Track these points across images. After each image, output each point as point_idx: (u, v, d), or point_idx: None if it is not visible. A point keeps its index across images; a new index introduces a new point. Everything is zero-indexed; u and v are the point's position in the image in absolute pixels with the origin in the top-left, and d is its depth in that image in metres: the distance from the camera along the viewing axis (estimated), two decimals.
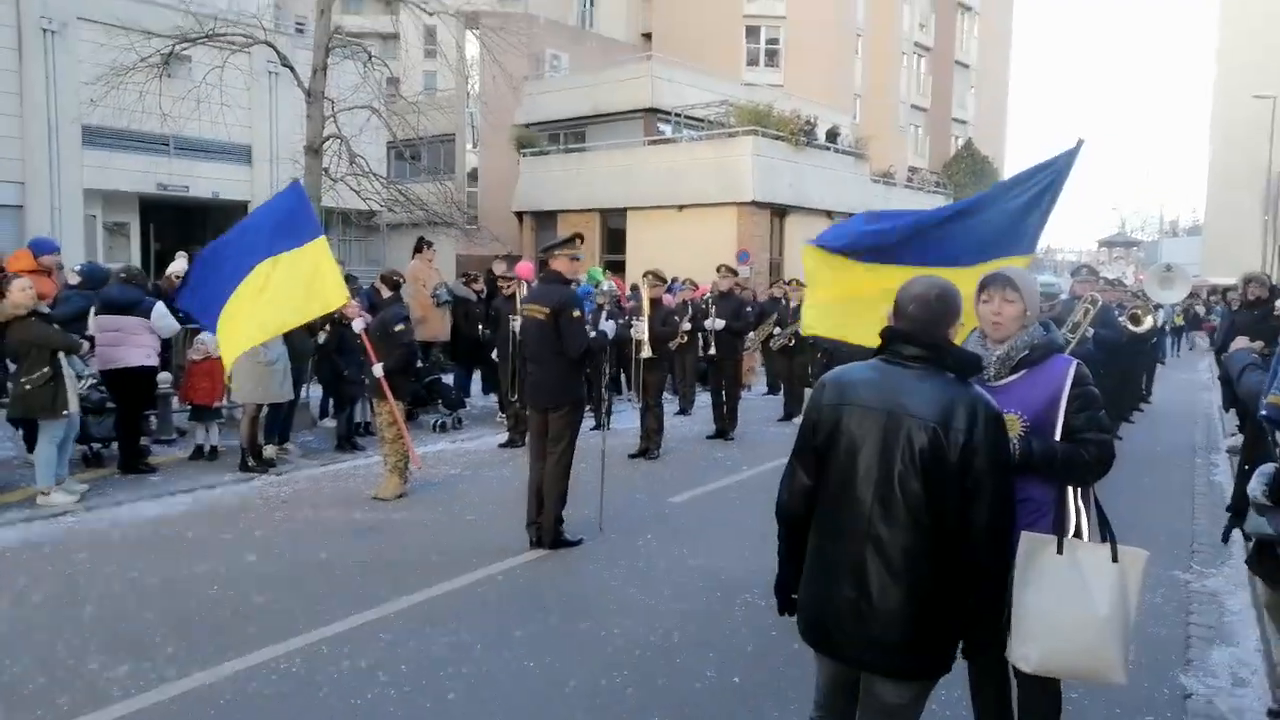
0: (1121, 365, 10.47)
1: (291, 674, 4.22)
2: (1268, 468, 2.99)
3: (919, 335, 2.60)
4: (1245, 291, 9.53)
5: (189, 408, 9.08)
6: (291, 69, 13.15)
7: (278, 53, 13.42)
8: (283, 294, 6.86)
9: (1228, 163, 55.74)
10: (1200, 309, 27.26)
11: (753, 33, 35.15)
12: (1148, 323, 11.31)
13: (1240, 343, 4.16)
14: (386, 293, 8.09)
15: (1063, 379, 2.87)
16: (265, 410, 8.47)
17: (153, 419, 9.28)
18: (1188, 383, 18.56)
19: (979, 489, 2.46)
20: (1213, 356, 16.60)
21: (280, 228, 6.98)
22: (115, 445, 8.29)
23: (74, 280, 8.07)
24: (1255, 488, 2.94)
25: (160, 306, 8.26)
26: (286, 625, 4.79)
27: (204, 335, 8.99)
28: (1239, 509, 3.45)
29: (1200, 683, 4.35)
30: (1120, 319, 10.27)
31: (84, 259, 14.58)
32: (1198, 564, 6.23)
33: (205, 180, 19.23)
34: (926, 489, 2.45)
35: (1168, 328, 20.83)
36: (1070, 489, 2.92)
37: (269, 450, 8.65)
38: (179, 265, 9.83)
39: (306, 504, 7.42)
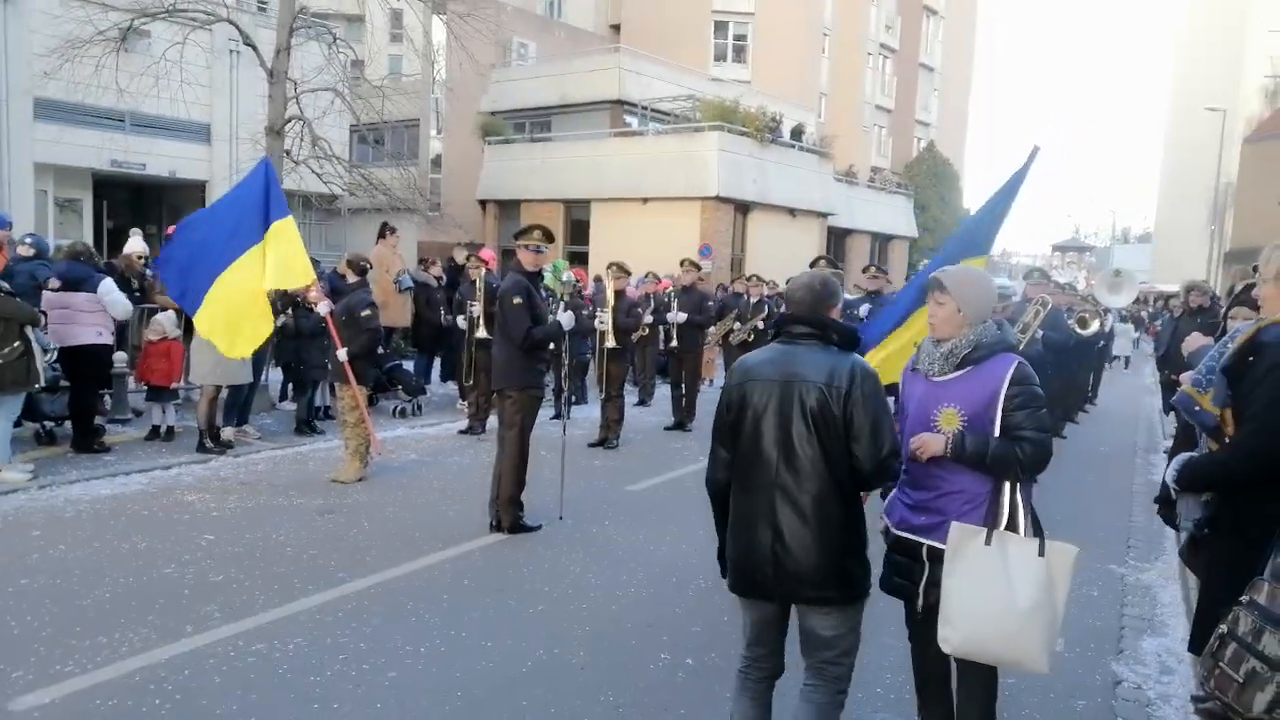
0: (1069, 367, 10.77)
1: (250, 652, 4.26)
2: (1183, 456, 3.16)
3: (805, 316, 3.07)
4: (1187, 300, 9.85)
5: (145, 388, 8.98)
6: (254, 48, 12.97)
7: (240, 31, 13.23)
8: (259, 276, 6.99)
9: (1179, 174, 57.28)
10: (1145, 314, 27.98)
11: (721, 28, 35.30)
12: (1094, 326, 11.65)
13: (1195, 339, 4.34)
14: (353, 278, 8.05)
15: (1002, 377, 2.99)
16: (225, 392, 8.41)
17: (108, 398, 9.16)
18: (1133, 386, 19.10)
19: (860, 433, 2.87)
20: (1154, 361, 17.09)
21: (258, 209, 7.04)
22: (68, 424, 8.18)
23: (27, 253, 7.92)
24: (1169, 474, 3.11)
25: (108, 283, 8.10)
26: (245, 604, 4.82)
27: (160, 315, 8.90)
28: (1164, 499, 3.63)
29: (1130, 670, 4.55)
30: (1069, 322, 10.56)
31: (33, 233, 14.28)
32: (1133, 559, 6.49)
33: (162, 158, 18.86)
34: (821, 440, 2.90)
35: (1113, 332, 21.38)
36: (1007, 483, 3.03)
37: (227, 432, 8.61)
38: (138, 245, 9.69)
39: (265, 486, 7.40)
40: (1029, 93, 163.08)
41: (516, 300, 6.20)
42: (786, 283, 3.37)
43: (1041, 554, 2.90)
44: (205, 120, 19.15)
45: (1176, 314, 11.13)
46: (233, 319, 7.03)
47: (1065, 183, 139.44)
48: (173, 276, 7.24)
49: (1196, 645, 3.62)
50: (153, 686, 3.88)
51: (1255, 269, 6.93)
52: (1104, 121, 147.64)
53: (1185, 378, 3.26)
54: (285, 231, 7.12)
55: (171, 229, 10.52)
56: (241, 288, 6.98)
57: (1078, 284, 24.54)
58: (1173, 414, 11.42)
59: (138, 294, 9.56)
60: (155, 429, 8.75)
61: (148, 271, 9.88)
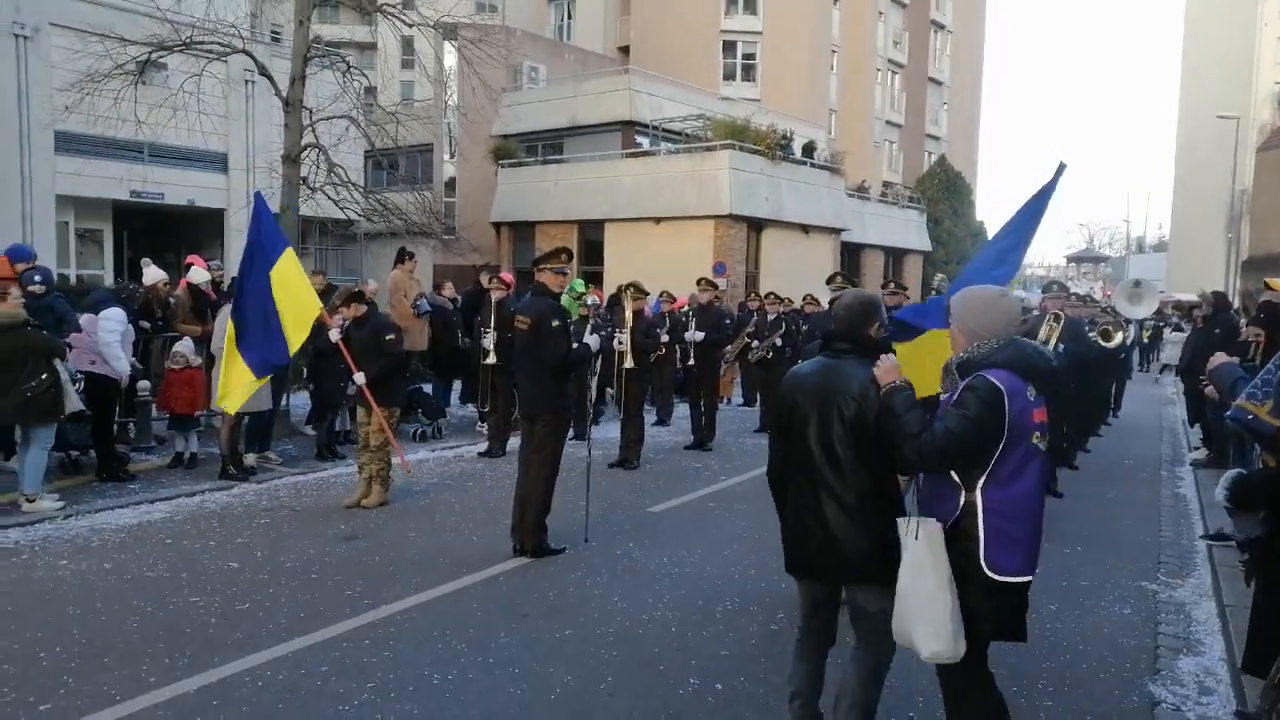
0: (1090, 380, 10.68)
1: (278, 681, 4.25)
2: (1231, 473, 3.11)
3: (846, 333, 3.47)
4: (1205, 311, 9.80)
5: (167, 416, 9.03)
6: (269, 78, 13.13)
7: (255, 61, 13.39)
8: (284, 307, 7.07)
9: (1192, 181, 57.01)
10: (1168, 328, 27.65)
11: (729, 48, 35.49)
12: (1118, 338, 11.56)
13: (1219, 357, 4.30)
14: (360, 310, 7.79)
15: (966, 383, 3.08)
16: (246, 419, 8.45)
17: (131, 427, 9.23)
18: (1155, 398, 18.91)
19: (894, 434, 3.14)
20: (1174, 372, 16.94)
21: (264, 247, 7.14)
22: (93, 452, 8.23)
23: (38, 289, 7.92)
24: (1220, 492, 3.07)
25: (109, 310, 7.93)
26: (271, 632, 4.81)
27: (180, 344, 8.96)
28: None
29: (1168, 691, 4.47)
30: (1091, 334, 10.49)
31: (55, 266, 14.44)
32: (1164, 575, 6.39)
33: (180, 187, 19.07)
34: (857, 444, 3.27)
35: (1135, 343, 21.19)
36: (978, 499, 3.03)
37: (249, 458, 8.63)
38: (159, 273, 9.77)
39: (288, 512, 7.42)
40: (1038, 104, 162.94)
41: (556, 323, 6.24)
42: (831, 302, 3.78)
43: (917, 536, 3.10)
44: (222, 150, 19.37)
45: (1198, 325, 11.04)
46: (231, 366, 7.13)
47: (1078, 193, 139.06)
48: (253, 357, 7.17)
49: (1249, 664, 3.55)
50: (182, 718, 3.87)
51: (1264, 285, 6.86)
52: (1115, 130, 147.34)
53: (1209, 390, 3.23)
54: (288, 266, 7.19)
55: (191, 258, 10.66)
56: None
57: (1094, 295, 24.39)
58: (1198, 425, 11.33)
59: (160, 322, 9.64)
60: (179, 456, 8.79)
61: (171, 300, 9.96)
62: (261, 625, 4.92)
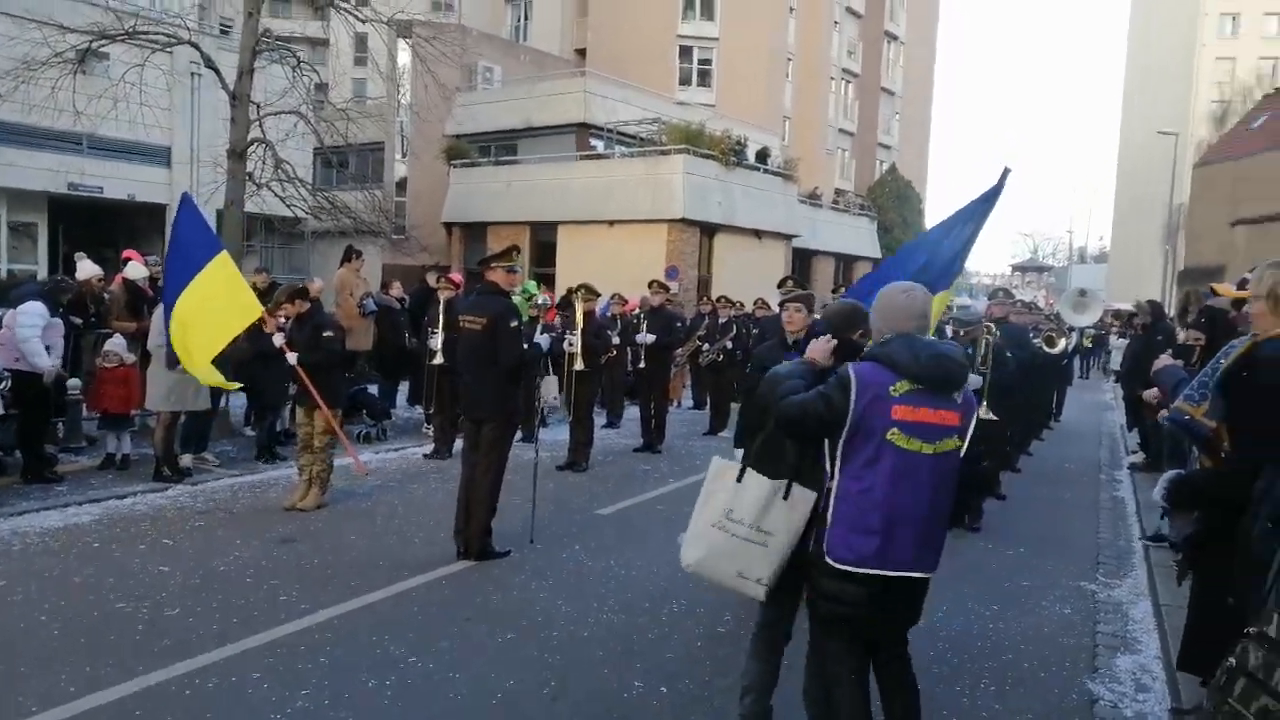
0: (1034, 385, 10.85)
1: (206, 689, 4.09)
2: (1170, 473, 3.15)
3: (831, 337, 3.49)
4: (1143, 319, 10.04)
5: (97, 416, 8.73)
6: (216, 70, 12.80)
7: (202, 53, 13.04)
8: (208, 318, 6.89)
9: (1132, 194, 58.59)
10: (1114, 336, 28.28)
11: (685, 53, 35.59)
12: (1061, 345, 11.78)
13: (1163, 359, 4.36)
14: (302, 307, 7.57)
15: None
16: (182, 418, 8.20)
17: (60, 426, 8.90)
18: (1094, 403, 19.35)
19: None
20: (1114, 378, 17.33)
21: (190, 250, 6.99)
22: (19, 453, 7.92)
23: None
24: (1159, 492, 3.10)
25: (29, 304, 7.61)
26: (202, 639, 4.64)
27: (112, 342, 8.66)
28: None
29: (1107, 689, 4.53)
30: (1035, 341, 10.67)
31: None
32: (1103, 575, 6.51)
33: (120, 181, 18.53)
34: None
35: (1077, 350, 21.64)
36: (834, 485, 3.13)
37: (186, 460, 8.38)
38: (93, 268, 9.47)
39: (224, 514, 7.20)
40: (987, 115, 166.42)
41: (513, 324, 6.16)
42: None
43: (786, 497, 3.36)
44: (165, 143, 18.90)
45: (1139, 332, 11.29)
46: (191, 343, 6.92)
47: (1023, 203, 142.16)
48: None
49: (1184, 661, 3.60)
50: None
51: (1210, 290, 7.04)
52: (1060, 143, 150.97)
53: (1148, 395, 3.28)
54: (224, 268, 7.00)
55: (128, 252, 10.35)
56: (186, 329, 6.91)
57: (1038, 303, 24.87)
58: (1135, 430, 11.59)
59: (94, 319, 9.33)
60: (110, 457, 8.50)
61: (105, 295, 9.65)
62: (191, 631, 4.74)
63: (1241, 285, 4.74)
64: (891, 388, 3.01)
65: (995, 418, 7.12)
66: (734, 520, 3.37)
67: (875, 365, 3.06)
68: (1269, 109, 31.95)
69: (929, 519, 3.07)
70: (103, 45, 12.67)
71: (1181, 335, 5.66)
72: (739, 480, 3.40)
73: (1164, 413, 3.44)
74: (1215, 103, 50.44)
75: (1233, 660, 1.77)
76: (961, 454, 3.11)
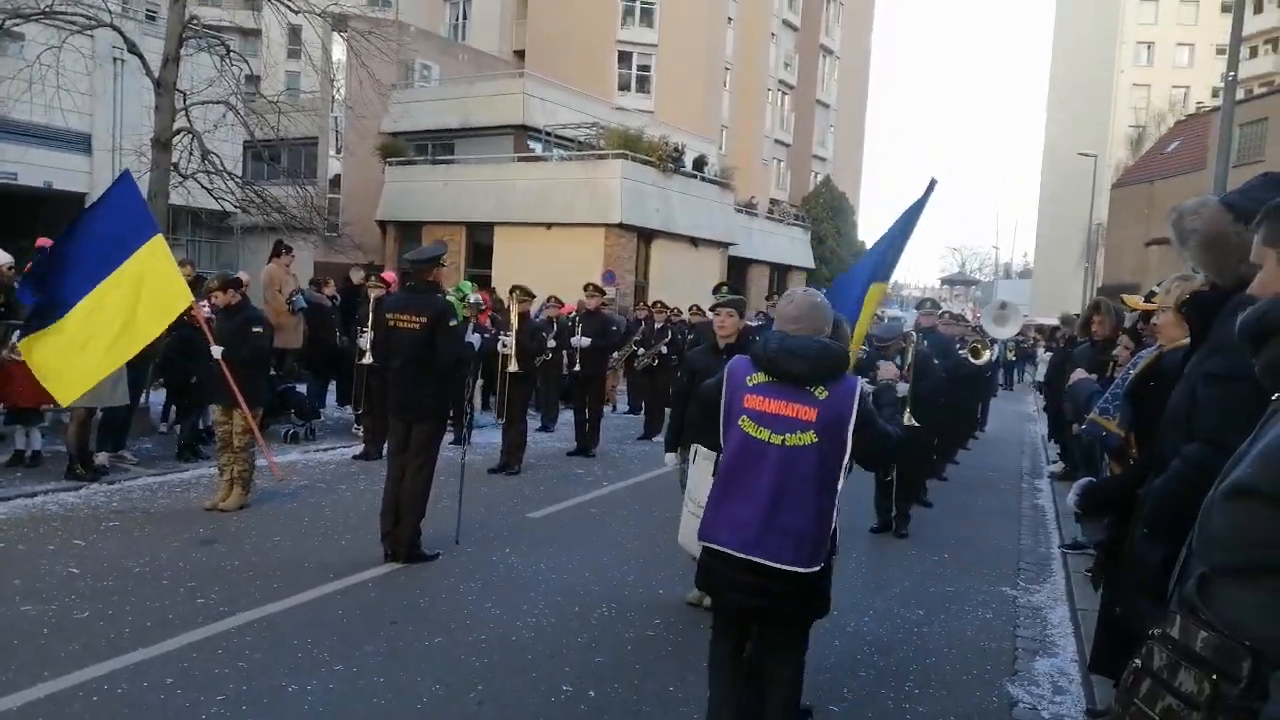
0: (960, 396, 11.12)
1: (117, 695, 3.92)
2: (1082, 481, 3.24)
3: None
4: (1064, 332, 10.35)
5: (4, 411, 8.34)
6: (140, 56, 12.39)
7: (124, 38, 12.62)
8: (128, 308, 6.45)
9: (1054, 213, 60.56)
10: (1040, 347, 29.15)
11: (625, 58, 35.68)
12: (985, 356, 12.09)
13: (1079, 374, 4.49)
14: (232, 298, 7.38)
15: None
16: (99, 414, 7.89)
17: None
18: (1017, 414, 19.92)
19: None
20: (1036, 390, 17.86)
21: (118, 230, 6.55)
22: None
23: None
24: (1071, 499, 3.19)
25: None
26: (112, 643, 4.45)
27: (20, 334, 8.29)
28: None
29: (1025, 691, 4.64)
30: (961, 352, 10.92)
31: None
32: (1024, 581, 6.68)
33: (36, 168, 17.77)
34: None
35: (1001, 361, 22.26)
36: None
37: (101, 457, 8.06)
38: (3, 256, 9.05)
39: (140, 514, 6.94)
40: (918, 130, 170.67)
41: (453, 322, 6.09)
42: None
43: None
44: (85, 130, 18.20)
45: (1060, 345, 11.65)
46: (71, 352, 6.43)
47: (952, 217, 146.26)
48: (34, 305, 6.64)
49: (1095, 663, 3.71)
50: None
51: (1097, 304, 7.30)
52: (987, 160, 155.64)
53: (1068, 408, 3.42)
54: (156, 253, 6.65)
55: (44, 241, 9.91)
56: (97, 318, 6.43)
57: (965, 315, 25.56)
58: (1056, 439, 11.96)
59: (3, 309, 8.91)
60: (19, 454, 8.13)
61: (16, 284, 9.22)
62: (101, 635, 4.55)
63: (1149, 298, 4.93)
64: (749, 378, 3.19)
65: (917, 424, 7.26)
66: (692, 500, 4.01)
67: (744, 358, 3.29)
68: (1181, 134, 33.41)
69: (773, 507, 3.08)
70: (16, 24, 12.16)
71: (1119, 344, 5.89)
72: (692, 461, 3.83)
73: (1078, 426, 3.56)
74: (1132, 127, 52.56)
75: (1138, 661, 1.82)
76: (821, 450, 3.08)
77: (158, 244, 6.69)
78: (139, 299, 6.55)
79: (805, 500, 3.09)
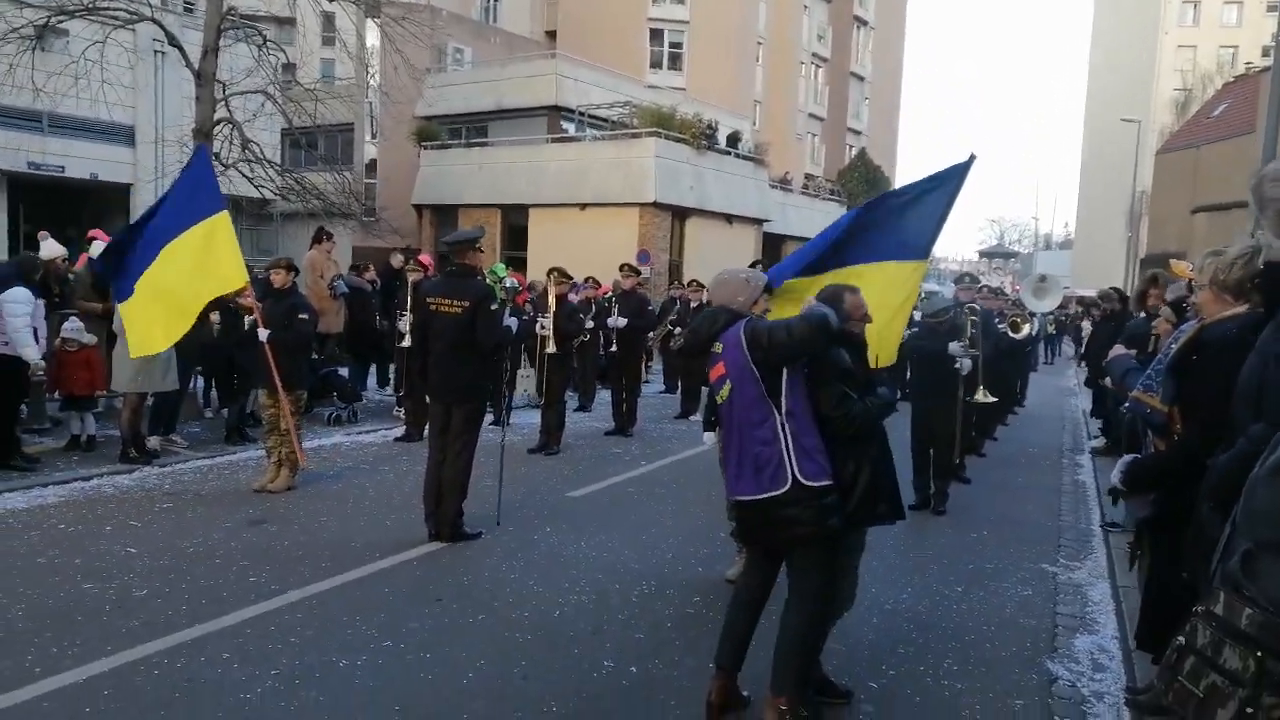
0: (999, 370, 11.01)
1: (176, 669, 4.09)
2: (1127, 458, 3.23)
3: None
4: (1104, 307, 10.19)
5: (60, 398, 8.60)
6: (180, 49, 12.61)
7: (165, 30, 12.84)
8: (190, 276, 6.68)
9: (1097, 181, 59.26)
10: (1085, 322, 28.67)
11: (656, 35, 35.47)
12: (1025, 330, 11.93)
13: (1118, 349, 4.45)
14: (285, 280, 7.57)
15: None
16: (150, 400, 8.11)
17: (23, 408, 8.76)
18: (1058, 388, 19.66)
19: None
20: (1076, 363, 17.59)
21: (189, 201, 6.77)
22: None
23: None
24: (1116, 476, 3.17)
25: (14, 291, 7.50)
26: (170, 620, 4.63)
27: (68, 326, 8.50)
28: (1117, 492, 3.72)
29: (1065, 669, 4.64)
30: (1001, 326, 10.80)
31: None
32: (1064, 558, 6.64)
33: (82, 160, 18.15)
34: None
35: (1041, 335, 21.95)
36: None
37: (154, 441, 8.30)
38: (56, 247, 9.30)
39: (192, 496, 7.16)
40: (955, 101, 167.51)
41: (494, 306, 6.20)
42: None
43: None
44: (129, 122, 18.53)
45: (1102, 319, 11.47)
46: (150, 314, 6.74)
47: (991, 189, 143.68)
48: (111, 271, 6.94)
49: (1142, 638, 3.71)
50: (69, 709, 3.70)
51: (1154, 277, 7.15)
52: (1027, 130, 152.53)
53: (1109, 382, 3.40)
54: (220, 228, 6.85)
55: (94, 232, 10.17)
56: (162, 281, 6.68)
57: (1004, 289, 25.21)
58: (1095, 414, 11.80)
59: (58, 299, 9.17)
60: (75, 439, 8.39)
61: (70, 275, 9.49)
62: (160, 612, 4.73)
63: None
64: (715, 347, 3.75)
65: (994, 399, 7.20)
66: None
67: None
68: (1229, 96, 32.46)
69: (740, 452, 3.64)
70: (62, 21, 12.42)
71: (1156, 322, 5.76)
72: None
73: (1124, 405, 3.54)
74: (1177, 90, 51.10)
75: (1182, 639, 1.81)
76: (743, 390, 3.59)
77: (222, 220, 6.88)
78: (197, 267, 6.76)
79: (753, 437, 3.59)
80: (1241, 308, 2.93)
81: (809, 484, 3.50)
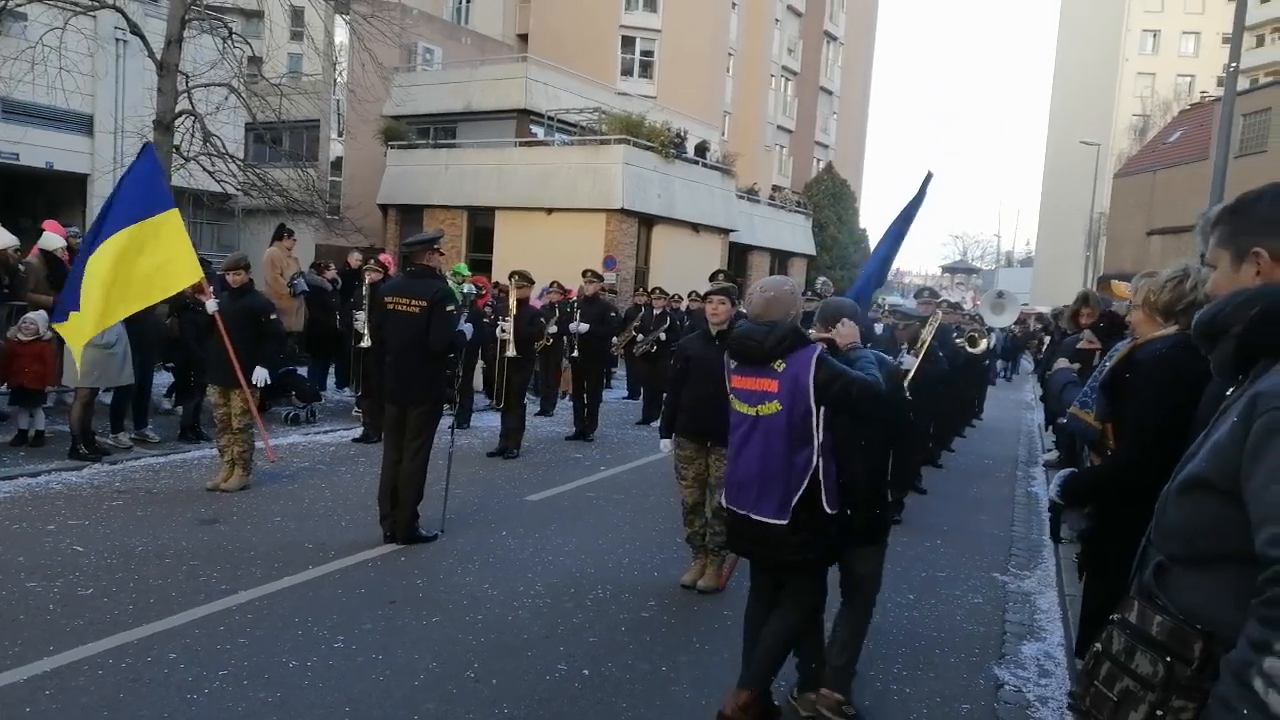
0: (957, 384, 11.18)
1: (121, 669, 4.02)
2: (1065, 471, 3.30)
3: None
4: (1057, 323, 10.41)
5: (7, 391, 8.42)
6: (142, 37, 12.42)
7: (127, 18, 12.64)
8: (133, 270, 6.56)
9: (1057, 202, 60.40)
10: (1046, 337, 29.15)
11: (628, 43, 35.56)
12: (983, 345, 12.13)
13: (1061, 364, 4.56)
14: (241, 279, 7.57)
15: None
16: (110, 395, 7.97)
17: None
18: (1016, 402, 19.99)
19: None
20: (1035, 378, 17.93)
21: (134, 198, 6.66)
22: None
23: None
24: (1053, 490, 3.25)
25: None
26: (116, 619, 4.55)
27: (32, 314, 8.38)
28: (1055, 508, 3.82)
29: (1011, 674, 4.73)
30: (959, 340, 10.97)
31: None
32: (1014, 567, 6.76)
33: (38, 149, 17.77)
34: None
35: (998, 350, 22.29)
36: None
37: (123, 438, 8.15)
38: (7, 237, 9.09)
39: (143, 494, 7.04)
40: (922, 118, 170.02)
41: (450, 307, 6.16)
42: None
43: None
44: (88, 111, 18.18)
45: (1056, 336, 11.70)
46: (85, 304, 6.56)
47: (955, 206, 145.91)
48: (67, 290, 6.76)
49: (1080, 648, 3.80)
50: (9, 710, 3.62)
51: (1085, 296, 7.33)
52: (991, 148, 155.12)
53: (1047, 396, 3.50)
54: (169, 226, 6.76)
55: (47, 223, 9.97)
56: (97, 272, 6.51)
57: (965, 304, 25.59)
58: (1050, 428, 12.02)
59: (7, 291, 8.98)
60: (23, 434, 8.21)
61: (20, 266, 9.28)
62: (106, 612, 4.64)
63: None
64: (732, 363, 3.80)
65: (910, 398, 7.32)
66: None
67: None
68: (1184, 124, 33.30)
69: (762, 471, 3.63)
70: (20, 4, 12.18)
71: (1083, 338, 5.93)
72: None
73: (1061, 419, 3.63)
74: (1136, 116, 52.32)
75: (1099, 645, 1.89)
76: (790, 415, 3.55)
77: (172, 218, 6.79)
78: (142, 262, 6.65)
79: (782, 461, 3.58)
80: (1172, 328, 3.03)
81: (830, 513, 3.62)
